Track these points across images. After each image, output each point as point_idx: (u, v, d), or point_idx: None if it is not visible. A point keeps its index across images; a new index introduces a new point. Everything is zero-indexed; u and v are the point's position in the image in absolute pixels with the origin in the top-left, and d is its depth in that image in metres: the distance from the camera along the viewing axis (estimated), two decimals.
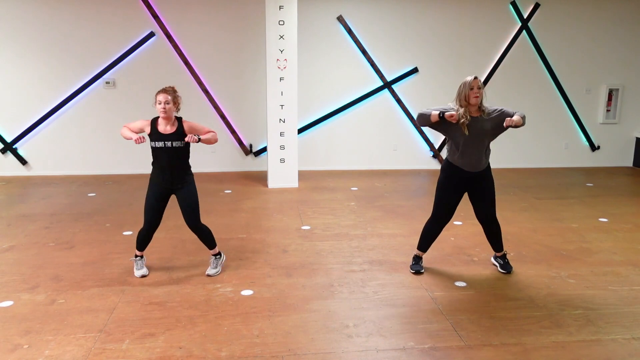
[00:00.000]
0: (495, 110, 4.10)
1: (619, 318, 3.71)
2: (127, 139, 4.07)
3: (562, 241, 5.28)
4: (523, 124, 3.90)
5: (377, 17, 8.17)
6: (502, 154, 8.52)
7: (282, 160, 7.30)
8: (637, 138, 9.12)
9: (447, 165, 4.24)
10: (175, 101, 4.07)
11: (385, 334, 3.46)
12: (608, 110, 8.96)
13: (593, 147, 9.08)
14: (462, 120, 3.98)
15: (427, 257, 4.69)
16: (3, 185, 7.36)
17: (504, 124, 3.89)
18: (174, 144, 4.06)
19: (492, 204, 4.28)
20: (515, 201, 6.73)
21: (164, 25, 7.78)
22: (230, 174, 8.17)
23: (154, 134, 4.07)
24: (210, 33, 7.92)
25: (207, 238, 4.35)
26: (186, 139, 4.02)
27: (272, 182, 7.37)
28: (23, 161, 7.91)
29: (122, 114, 7.94)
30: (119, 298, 3.93)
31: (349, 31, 8.13)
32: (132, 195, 6.82)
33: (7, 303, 3.82)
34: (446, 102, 8.36)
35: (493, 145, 4.34)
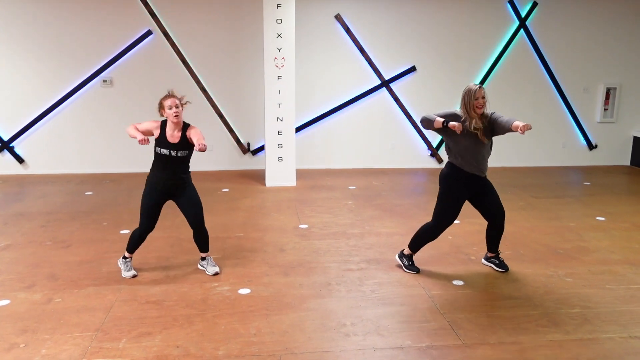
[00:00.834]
0: (488, 114, 4.08)
1: (616, 316, 3.71)
2: (132, 137, 3.98)
3: (559, 240, 5.28)
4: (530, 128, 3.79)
5: (374, 16, 8.17)
6: (500, 153, 8.51)
7: (280, 159, 7.29)
8: (634, 137, 9.13)
9: (453, 171, 4.15)
10: (182, 104, 4.01)
11: (382, 333, 3.46)
12: (605, 109, 8.97)
13: (591, 146, 9.09)
14: (478, 132, 3.96)
15: (425, 256, 4.69)
16: (0, 184, 7.35)
17: (519, 131, 3.73)
18: (179, 153, 4.03)
19: (499, 199, 4.28)
20: (513, 200, 6.74)
21: (161, 24, 7.76)
22: (228, 173, 8.16)
23: (162, 141, 4.01)
24: (207, 31, 7.90)
25: (206, 240, 4.33)
26: (197, 149, 3.86)
27: (270, 181, 7.36)
28: (20, 160, 7.89)
29: (119, 113, 7.94)
30: (115, 297, 3.92)
31: (347, 30, 8.12)
32: (130, 194, 6.81)
33: (4, 302, 3.81)
34: (443, 101, 8.30)
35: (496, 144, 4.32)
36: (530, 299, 3.97)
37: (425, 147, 8.70)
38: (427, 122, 4.01)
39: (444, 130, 4.00)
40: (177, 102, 3.95)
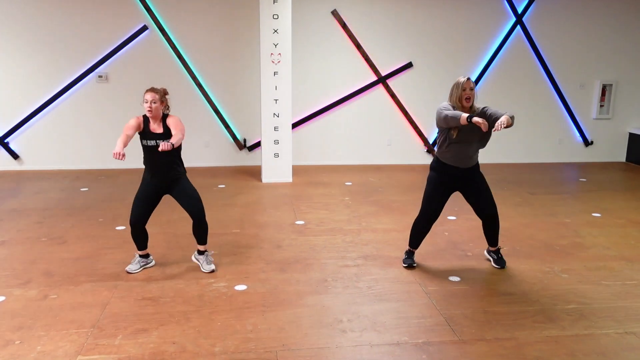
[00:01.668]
0: (479, 108, 4.05)
1: (611, 312, 3.73)
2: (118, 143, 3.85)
3: (555, 236, 5.29)
4: (512, 124, 3.72)
5: (371, 12, 8.15)
6: (496, 148, 8.53)
7: (276, 155, 7.28)
8: (630, 133, 9.16)
9: (436, 162, 4.24)
10: (163, 100, 4.05)
11: (379, 329, 3.46)
12: (602, 106, 8.99)
13: (587, 143, 9.11)
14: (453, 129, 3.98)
15: (421, 252, 4.69)
16: None
17: (493, 129, 3.70)
18: (164, 141, 4.03)
19: (491, 197, 4.28)
20: (509, 196, 6.75)
21: (157, 20, 7.72)
22: (224, 169, 8.15)
23: (146, 132, 4.05)
24: (203, 27, 7.87)
25: (205, 233, 4.32)
26: (160, 149, 3.74)
27: (266, 177, 7.35)
28: (15, 155, 7.85)
29: (114, 108, 7.90)
30: (111, 293, 3.91)
31: (344, 26, 8.10)
32: (125, 190, 6.78)
33: None
34: (440, 98, 8.31)
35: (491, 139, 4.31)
36: (527, 295, 3.98)
37: (422, 143, 8.69)
38: (453, 119, 3.84)
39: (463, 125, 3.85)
40: (156, 97, 3.98)
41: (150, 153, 4.09)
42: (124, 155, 3.69)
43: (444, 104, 4.05)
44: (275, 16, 6.83)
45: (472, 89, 3.97)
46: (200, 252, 4.39)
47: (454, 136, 4.02)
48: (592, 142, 9.13)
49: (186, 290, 3.98)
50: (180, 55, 7.87)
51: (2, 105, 7.72)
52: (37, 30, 7.58)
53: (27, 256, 4.59)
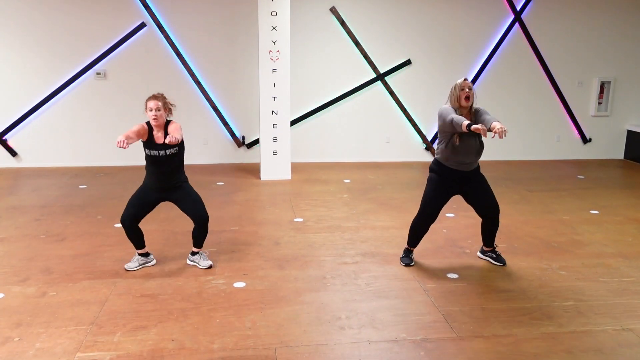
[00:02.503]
0: (479, 109, 4.08)
1: (609, 309, 3.74)
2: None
3: (553, 233, 5.30)
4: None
5: (370, 9, 8.14)
6: (494, 146, 8.53)
7: (275, 152, 7.28)
8: (628, 131, 9.17)
9: (437, 165, 4.21)
10: (166, 107, 4.02)
11: (377, 326, 3.47)
12: (600, 103, 8.99)
13: (585, 140, 9.12)
14: (455, 135, 3.98)
15: (420, 249, 4.70)
16: None
17: (492, 136, 3.75)
18: (168, 151, 4.04)
19: (493, 197, 4.28)
20: (507, 193, 6.76)
21: (155, 16, 7.70)
22: (223, 166, 8.14)
23: (150, 142, 4.02)
24: (202, 24, 7.85)
25: (205, 236, 4.32)
26: (167, 141, 3.75)
27: (265, 174, 7.35)
28: (13, 152, 7.84)
29: (113, 105, 7.89)
30: (110, 290, 3.91)
31: (342, 23, 8.09)
32: (124, 187, 6.78)
33: None
34: (439, 95, 8.30)
35: (487, 138, 4.31)
36: (524, 292, 3.99)
37: (420, 140, 8.70)
38: (457, 125, 3.86)
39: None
40: (159, 104, 3.94)
41: (153, 163, 4.07)
42: (125, 141, 3.64)
43: (446, 107, 4.03)
44: (274, 13, 6.82)
45: (470, 88, 3.97)
46: (194, 253, 4.40)
47: (457, 142, 4.02)
48: (590, 140, 9.14)
49: (185, 287, 3.99)
50: (179, 52, 7.85)
51: (0, 102, 7.70)
52: (35, 28, 7.56)
53: (26, 253, 4.59)
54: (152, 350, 3.16)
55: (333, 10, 8.04)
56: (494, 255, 4.52)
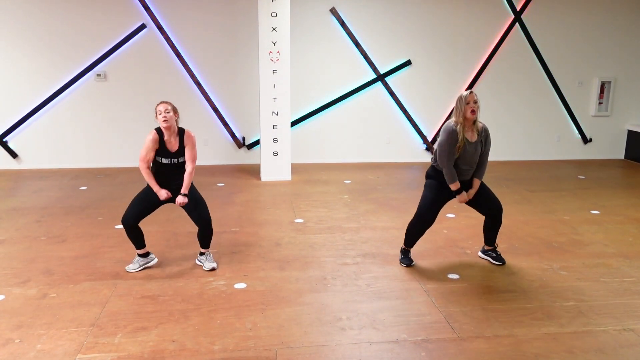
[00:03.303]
0: (487, 131, 4.17)
1: (610, 309, 3.74)
2: (151, 185, 4.09)
3: (554, 233, 5.30)
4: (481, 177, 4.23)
5: (370, 9, 8.14)
6: (495, 147, 8.53)
7: (275, 153, 7.28)
8: (628, 130, 9.16)
9: (434, 172, 4.25)
10: (176, 111, 4.06)
11: (378, 327, 3.47)
12: (600, 103, 8.99)
13: (585, 140, 9.12)
14: (458, 145, 4.01)
15: (420, 250, 4.70)
16: None
17: (467, 196, 4.21)
18: (180, 159, 4.09)
19: (494, 197, 4.31)
20: (508, 194, 6.76)
21: (155, 18, 7.71)
22: (223, 167, 8.15)
23: (162, 150, 4.05)
24: (202, 25, 7.86)
25: (210, 237, 4.34)
26: (178, 203, 4.06)
27: (265, 175, 7.35)
28: (14, 154, 7.85)
29: (113, 107, 7.90)
30: (111, 292, 3.91)
31: (342, 23, 8.10)
32: (124, 189, 6.78)
33: None
34: (439, 96, 8.30)
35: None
36: (525, 292, 3.98)
37: (421, 141, 8.70)
38: (449, 177, 4.12)
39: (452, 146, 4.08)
40: (169, 107, 3.98)
41: (163, 168, 4.10)
42: (168, 192, 4.06)
43: (449, 132, 4.01)
44: (274, 14, 6.82)
45: (476, 102, 3.97)
46: (202, 253, 4.41)
47: (456, 155, 4.06)
48: (590, 140, 9.13)
49: (185, 288, 3.99)
50: (179, 53, 7.86)
51: (1, 104, 7.71)
52: (36, 29, 7.56)
53: (27, 255, 4.59)
54: (153, 352, 3.16)
55: (333, 11, 8.05)
56: (494, 255, 4.53)
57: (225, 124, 8.19)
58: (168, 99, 4.21)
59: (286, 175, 7.39)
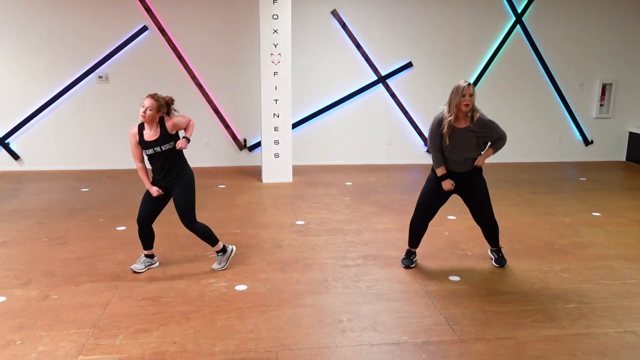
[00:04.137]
0: (486, 123, 4.10)
1: (611, 311, 3.73)
2: (144, 182, 4.18)
3: (555, 235, 5.30)
4: (497, 150, 4.22)
5: (371, 12, 8.15)
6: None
7: (277, 155, 7.28)
8: (630, 132, 9.16)
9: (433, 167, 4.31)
10: (161, 109, 4.03)
11: (379, 329, 3.47)
12: (601, 105, 8.98)
13: (587, 142, 9.11)
14: (445, 130, 4.04)
15: (421, 252, 4.69)
16: None
17: (475, 163, 4.16)
18: (163, 147, 4.05)
19: (486, 205, 4.29)
20: (509, 196, 6.75)
21: (157, 19, 7.73)
22: (224, 169, 8.15)
23: (142, 143, 4.06)
24: (203, 27, 7.87)
25: (205, 237, 4.31)
26: (178, 147, 4.04)
27: (267, 177, 7.36)
28: (15, 156, 7.86)
29: (114, 109, 7.91)
30: (112, 293, 3.91)
31: (343, 25, 8.10)
32: (126, 190, 6.79)
33: (0, 299, 3.80)
34: (440, 98, 8.34)
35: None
36: (526, 294, 3.98)
37: (422, 143, 8.70)
38: (434, 162, 4.25)
39: (436, 134, 4.18)
40: (154, 104, 3.97)
41: (152, 159, 4.11)
42: (161, 191, 4.11)
43: (437, 118, 4.11)
44: (275, 16, 6.83)
45: (471, 95, 3.97)
46: (217, 252, 4.40)
47: (447, 142, 4.10)
48: (592, 142, 9.13)
49: (187, 290, 3.99)
50: (180, 55, 7.87)
51: (3, 105, 7.73)
52: (38, 31, 7.58)
53: (28, 256, 4.60)
54: (154, 353, 3.16)
55: (334, 13, 8.06)
56: (496, 256, 4.52)
57: (227, 126, 8.20)
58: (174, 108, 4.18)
59: (287, 177, 7.39)
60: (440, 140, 4.13)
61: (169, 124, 4.06)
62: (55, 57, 7.69)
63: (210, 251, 4.57)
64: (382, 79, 8.35)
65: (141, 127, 4.09)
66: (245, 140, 8.32)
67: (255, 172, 7.87)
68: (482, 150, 4.20)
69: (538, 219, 5.81)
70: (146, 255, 4.34)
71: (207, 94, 8.05)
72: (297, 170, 7.87)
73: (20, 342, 3.26)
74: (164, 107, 4.06)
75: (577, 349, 3.27)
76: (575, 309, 3.77)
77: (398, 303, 3.83)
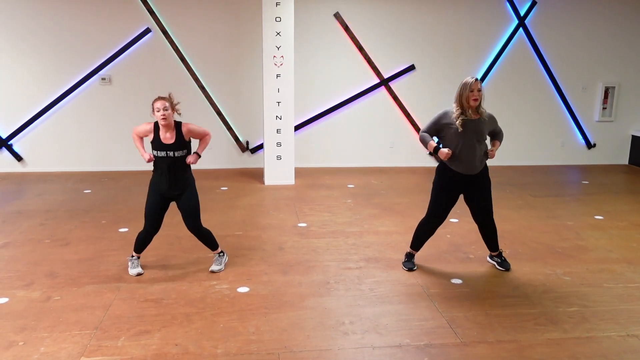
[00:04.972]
0: (492, 116, 4.20)
1: (613, 315, 3.72)
2: (138, 148, 4.18)
3: (557, 239, 5.29)
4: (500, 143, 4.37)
5: (373, 14, 8.16)
6: (499, 151, 8.48)
7: (279, 157, 7.29)
8: (632, 136, 9.14)
9: (442, 168, 4.26)
10: (173, 106, 4.04)
11: (381, 331, 3.47)
12: (604, 108, 8.98)
13: (589, 145, 9.10)
14: (459, 121, 4.01)
15: (424, 255, 4.69)
16: None
17: (489, 154, 4.21)
18: (176, 153, 4.04)
19: (488, 206, 4.28)
20: (512, 199, 6.74)
21: (160, 22, 7.75)
22: (227, 171, 8.16)
23: (156, 143, 4.04)
24: (206, 30, 7.89)
25: (207, 240, 4.35)
26: (188, 161, 4.08)
27: (269, 179, 7.36)
28: (18, 157, 7.88)
29: (117, 111, 7.93)
30: (114, 295, 3.92)
31: (346, 28, 8.12)
32: (128, 192, 6.80)
33: (2, 300, 3.81)
34: (443, 100, 8.31)
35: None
36: (529, 298, 3.98)
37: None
38: (423, 143, 4.24)
39: (439, 128, 4.18)
40: (166, 104, 3.95)
41: (160, 162, 4.08)
42: (153, 157, 4.06)
43: (443, 113, 4.14)
44: (278, 19, 6.85)
45: (479, 90, 3.99)
46: (218, 253, 4.43)
47: (457, 150, 4.07)
48: (594, 145, 9.11)
49: (189, 292, 3.99)
50: (183, 57, 7.89)
51: (6, 107, 7.75)
52: (41, 33, 7.61)
53: (31, 258, 4.61)
54: (156, 355, 3.16)
55: (337, 16, 8.07)
56: (499, 260, 4.52)
57: (229, 128, 8.21)
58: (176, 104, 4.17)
59: (289, 179, 7.40)
60: (435, 131, 4.18)
61: (184, 129, 4.05)
62: (59, 59, 7.72)
63: (212, 253, 4.58)
64: (384, 82, 8.36)
65: (157, 128, 4.06)
66: (247, 143, 8.33)
67: (257, 174, 7.88)
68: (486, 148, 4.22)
69: (540, 222, 5.81)
70: (133, 256, 4.34)
71: (209, 96, 8.06)
72: (299, 173, 7.87)
73: (22, 343, 3.26)
74: (173, 104, 4.06)
75: (580, 352, 3.26)
76: (578, 312, 3.76)
77: (400, 306, 3.82)
